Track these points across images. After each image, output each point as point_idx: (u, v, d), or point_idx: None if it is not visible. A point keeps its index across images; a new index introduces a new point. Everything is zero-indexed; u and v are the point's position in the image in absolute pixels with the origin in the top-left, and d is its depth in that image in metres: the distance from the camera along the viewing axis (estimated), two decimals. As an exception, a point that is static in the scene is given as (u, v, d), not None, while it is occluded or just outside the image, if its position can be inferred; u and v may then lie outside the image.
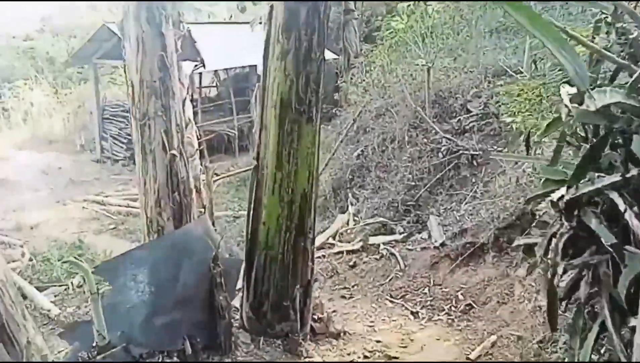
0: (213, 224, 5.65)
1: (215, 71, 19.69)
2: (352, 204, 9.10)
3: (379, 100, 10.57)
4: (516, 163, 6.61)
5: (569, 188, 2.88)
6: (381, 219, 7.94)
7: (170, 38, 4.26)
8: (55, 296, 8.95)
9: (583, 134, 3.24)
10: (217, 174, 15.40)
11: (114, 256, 5.04)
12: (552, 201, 3.05)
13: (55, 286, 9.40)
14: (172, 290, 4.48)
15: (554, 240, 3.04)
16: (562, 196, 2.94)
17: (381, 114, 10.32)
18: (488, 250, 6.44)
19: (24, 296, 8.77)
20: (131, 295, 4.44)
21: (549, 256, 3.03)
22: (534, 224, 4.62)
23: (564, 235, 2.99)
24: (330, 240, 8.34)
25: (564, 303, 3.42)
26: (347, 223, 8.70)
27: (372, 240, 7.73)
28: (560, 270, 3.01)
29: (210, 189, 5.56)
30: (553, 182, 3.21)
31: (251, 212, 4.53)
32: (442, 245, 6.92)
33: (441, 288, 6.34)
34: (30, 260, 10.36)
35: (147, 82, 4.09)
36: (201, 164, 5.93)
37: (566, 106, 2.74)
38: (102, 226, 12.50)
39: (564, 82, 3.56)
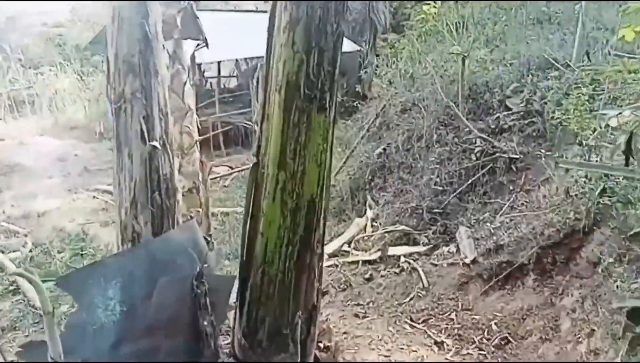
0: (209, 228, 4.88)
1: (236, 60, 19.02)
2: (370, 208, 8.23)
3: (405, 93, 9.65)
4: (567, 170, 5.65)
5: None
6: (403, 227, 7.04)
7: (156, 5, 3.45)
8: (51, 292, 8.33)
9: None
10: (231, 168, 14.76)
11: (80, 267, 4.30)
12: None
13: (51, 280, 8.81)
14: (148, 310, 3.71)
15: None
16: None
17: (407, 109, 9.40)
18: (528, 272, 5.50)
19: (18, 290, 8.28)
20: (99, 314, 3.66)
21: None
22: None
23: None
24: (345, 247, 7.49)
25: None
26: (365, 229, 7.83)
27: (392, 250, 6.84)
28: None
29: (207, 187, 4.79)
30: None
31: (248, 219, 3.70)
32: (473, 262, 6.00)
33: (471, 315, 5.43)
34: (31, 251, 9.83)
35: (123, 57, 3.28)
36: (200, 159, 5.15)
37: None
38: (109, 218, 11.97)
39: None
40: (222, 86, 19.65)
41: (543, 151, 6.79)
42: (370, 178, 8.66)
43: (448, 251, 6.46)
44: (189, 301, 3.46)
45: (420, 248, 6.80)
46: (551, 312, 4.94)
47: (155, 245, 3.42)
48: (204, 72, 19.81)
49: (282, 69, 3.38)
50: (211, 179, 13.80)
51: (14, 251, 9.67)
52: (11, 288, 8.11)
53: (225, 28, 14.03)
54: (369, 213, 8.16)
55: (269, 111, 3.51)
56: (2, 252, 9.51)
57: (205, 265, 3.47)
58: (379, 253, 6.87)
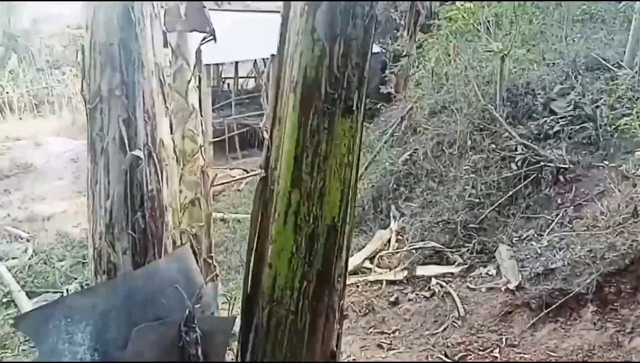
0: (210, 249, 4.19)
1: (255, 61, 18.52)
2: (395, 220, 7.47)
3: (434, 95, 8.89)
4: (635, 184, 4.83)
5: None
6: (433, 244, 6.26)
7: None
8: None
9: None
10: (245, 171, 14.16)
11: (43, 304, 3.65)
12: None
13: (49, 292, 8.31)
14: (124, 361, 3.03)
15: None
16: None
17: (436, 111, 8.63)
18: (587, 303, 4.65)
19: (12, 303, 7.77)
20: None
21: None
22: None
23: None
24: (367, 264, 6.75)
25: None
26: (388, 243, 7.09)
27: (421, 270, 6.07)
28: None
29: (209, 201, 4.11)
30: None
31: (253, 247, 3.00)
32: (518, 287, 5.19)
33: (519, 352, 4.59)
34: (30, 258, 9.36)
35: (100, 45, 2.62)
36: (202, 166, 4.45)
37: None
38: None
39: None
40: (240, 87, 19.16)
41: (592, 160, 5.98)
42: (394, 186, 7.90)
43: (487, 273, 5.66)
44: (174, 352, 2.78)
45: (454, 269, 6.01)
46: (619, 354, 4.14)
47: (135, 279, 2.74)
48: (221, 72, 19.35)
49: (299, 62, 2.65)
50: (224, 183, 13.33)
51: (13, 258, 9.24)
52: (4, 300, 7.62)
53: (244, 28, 13.50)
54: (394, 225, 7.40)
55: (281, 114, 2.79)
56: (1, 259, 9.09)
57: (198, 306, 2.78)
58: (405, 273, 6.10)
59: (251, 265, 3.05)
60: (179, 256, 3.03)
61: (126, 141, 2.57)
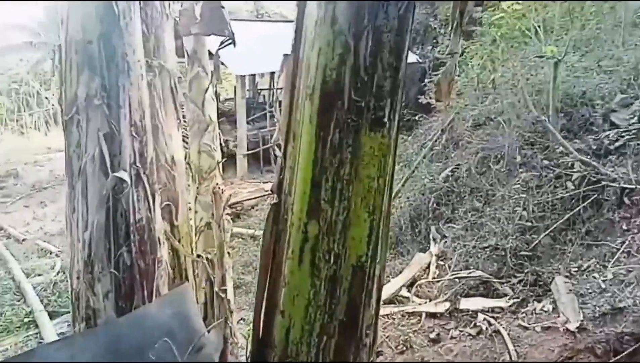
0: (223, 281, 3.67)
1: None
2: (435, 242, 6.83)
3: (477, 105, 8.22)
4: None
5: None
6: (479, 272, 5.58)
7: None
8: (68, 325, 7.51)
9: None
10: (271, 192, 13.63)
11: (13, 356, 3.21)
12: None
13: (69, 312, 8.03)
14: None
15: None
16: None
17: (480, 123, 7.95)
18: (666, 353, 3.96)
19: (34, 324, 7.53)
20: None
21: None
22: None
23: None
24: (403, 292, 6.12)
25: None
26: (428, 269, 6.44)
27: (465, 302, 5.40)
28: None
29: (222, 225, 3.62)
30: None
31: (262, 290, 2.49)
32: (580, 329, 4.49)
33: (584, 410, 3.95)
34: (56, 274, 9.16)
35: (76, 43, 2.25)
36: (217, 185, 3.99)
37: None
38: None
39: None
40: (276, 99, 18.87)
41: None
42: (434, 205, 7.26)
43: (542, 310, 4.94)
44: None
45: (504, 303, 5.30)
46: None
47: (119, 327, 2.28)
48: (257, 84, 19.13)
49: (316, 62, 2.14)
50: (257, 197, 12.89)
51: (39, 275, 9.06)
52: (26, 320, 7.39)
53: (280, 39, 13.19)
54: (434, 249, 6.75)
55: (296, 127, 2.29)
56: (28, 275, 8.94)
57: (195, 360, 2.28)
58: (447, 305, 5.45)
59: (261, 310, 2.54)
60: (175, 298, 2.53)
61: (108, 160, 2.11)
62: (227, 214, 4.21)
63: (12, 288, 8.57)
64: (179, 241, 3.49)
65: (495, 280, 5.46)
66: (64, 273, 9.36)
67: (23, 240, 10.80)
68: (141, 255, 2.25)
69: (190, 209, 3.99)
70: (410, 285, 6.14)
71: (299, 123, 2.25)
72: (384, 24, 2.09)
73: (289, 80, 2.37)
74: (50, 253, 10.37)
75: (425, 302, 5.67)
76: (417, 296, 5.86)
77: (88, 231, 2.16)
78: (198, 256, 3.81)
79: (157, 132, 3.61)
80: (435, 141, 8.37)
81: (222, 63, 12.89)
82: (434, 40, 13.19)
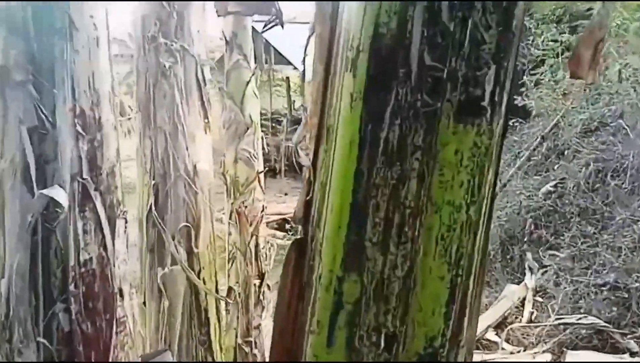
0: (248, 331, 2.85)
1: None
2: (532, 273, 5.63)
3: (587, 107, 6.89)
4: None
5: None
6: (593, 319, 4.36)
7: None
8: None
9: None
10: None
11: None
12: None
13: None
14: None
15: None
16: None
17: (592, 130, 6.63)
18: None
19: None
20: None
21: None
22: None
23: None
24: (490, 334, 5.01)
25: None
26: (522, 307, 5.27)
27: (573, 356, 4.22)
28: None
29: (248, 258, 2.80)
30: None
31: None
32: None
33: None
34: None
35: None
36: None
37: None
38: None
39: None
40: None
41: None
42: (531, 227, 6.05)
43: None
44: None
45: (627, 359, 4.07)
46: None
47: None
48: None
49: (364, 7, 1.27)
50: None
51: None
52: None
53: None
54: (529, 281, 5.56)
55: (330, 119, 1.42)
56: None
57: None
58: (549, 358, 4.30)
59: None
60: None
61: (33, 170, 1.38)
62: (273, 236, 3.43)
63: None
64: (199, 274, 2.76)
65: (614, 330, 4.20)
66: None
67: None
68: (87, 315, 1.49)
69: (223, 232, 3.27)
70: (498, 326, 5.02)
71: (335, 111, 1.36)
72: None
73: (323, 46, 1.49)
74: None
75: (519, 351, 4.54)
76: (508, 341, 4.72)
77: (5, 279, 1.43)
78: (229, 290, 3.05)
79: (176, 133, 2.93)
80: (534, 150, 7.09)
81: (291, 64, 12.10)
82: (530, 39, 11.79)
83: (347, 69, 1.25)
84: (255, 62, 3.52)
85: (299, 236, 1.48)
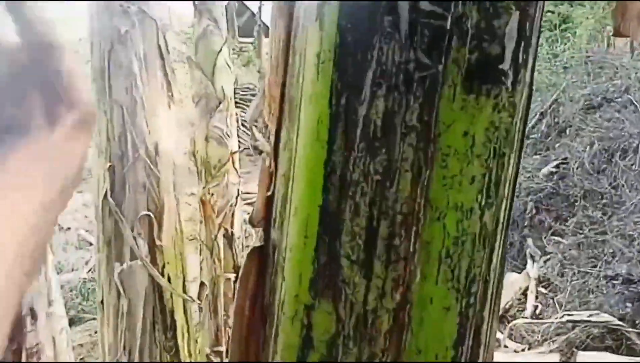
0: (218, 342, 2.53)
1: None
2: (533, 261, 5.34)
3: (590, 82, 6.54)
4: None
5: None
6: (606, 317, 4.05)
7: None
8: (89, 335, 6.77)
9: None
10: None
11: None
12: None
13: (94, 319, 7.38)
14: None
15: None
16: None
17: (595, 106, 6.29)
18: None
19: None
20: None
21: None
22: None
23: None
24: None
25: None
26: (524, 298, 4.98)
27: (585, 357, 3.93)
28: None
29: (235, 252, 2.45)
30: None
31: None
32: None
33: None
34: (88, 271, 8.63)
35: None
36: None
37: None
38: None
39: None
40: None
41: None
42: (533, 211, 5.74)
43: None
44: None
45: (640, 362, 3.78)
46: None
47: None
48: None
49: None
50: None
51: (73, 270, 8.50)
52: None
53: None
54: (531, 270, 5.26)
55: (293, 89, 1.08)
56: (61, 270, 8.38)
57: None
58: (557, 358, 4.01)
59: None
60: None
61: None
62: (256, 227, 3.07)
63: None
64: (162, 270, 2.43)
65: (628, 329, 3.90)
66: (95, 271, 8.81)
67: (67, 228, 10.47)
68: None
69: (193, 221, 2.92)
70: (499, 319, 4.72)
71: (298, 79, 1.00)
72: None
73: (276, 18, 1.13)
74: (90, 245, 9.93)
75: (524, 350, 4.24)
76: (511, 338, 4.43)
77: None
78: (202, 285, 2.72)
79: (134, 108, 2.57)
80: (533, 127, 6.75)
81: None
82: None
83: (314, 18, 0.88)
84: (227, 29, 3.13)
85: (257, 245, 1.13)
